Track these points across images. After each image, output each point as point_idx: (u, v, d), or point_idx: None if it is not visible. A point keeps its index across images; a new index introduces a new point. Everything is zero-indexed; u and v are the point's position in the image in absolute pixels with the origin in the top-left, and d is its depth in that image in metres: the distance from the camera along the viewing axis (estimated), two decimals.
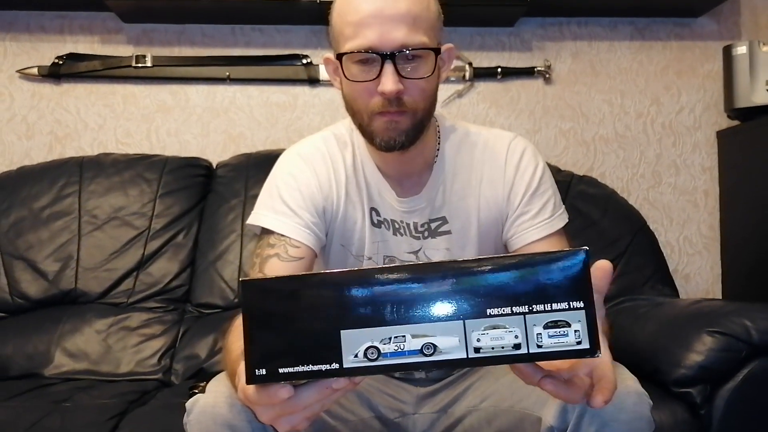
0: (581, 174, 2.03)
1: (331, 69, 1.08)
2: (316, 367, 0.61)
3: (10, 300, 1.78)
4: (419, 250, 1.12)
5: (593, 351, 0.59)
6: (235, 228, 1.85)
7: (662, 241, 2.03)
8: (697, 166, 2.18)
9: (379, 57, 0.96)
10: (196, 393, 0.93)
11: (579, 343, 0.59)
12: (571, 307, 0.60)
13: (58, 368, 1.66)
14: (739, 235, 2.06)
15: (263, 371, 0.61)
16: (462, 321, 0.60)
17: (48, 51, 2.09)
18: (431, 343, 0.60)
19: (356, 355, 0.60)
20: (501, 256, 0.61)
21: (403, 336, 0.60)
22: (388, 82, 0.95)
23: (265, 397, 0.62)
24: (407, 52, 0.96)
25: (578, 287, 0.60)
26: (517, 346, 0.60)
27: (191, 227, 1.87)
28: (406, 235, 1.12)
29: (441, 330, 0.60)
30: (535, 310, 0.60)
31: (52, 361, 1.67)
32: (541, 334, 0.60)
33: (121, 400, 1.43)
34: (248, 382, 0.61)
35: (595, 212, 1.90)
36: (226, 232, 1.85)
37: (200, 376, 1.65)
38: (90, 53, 2.09)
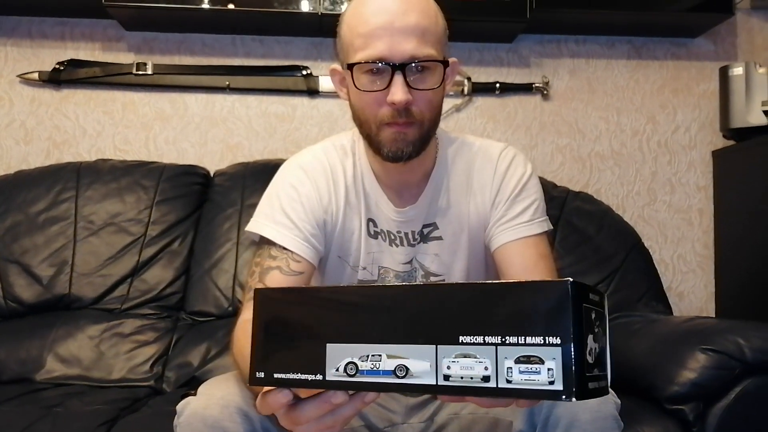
0: (577, 190, 2.04)
1: (337, 80, 1.09)
2: (303, 377, 0.63)
3: (4, 304, 1.77)
4: (412, 259, 1.13)
5: (567, 394, 0.53)
6: (230, 237, 1.85)
7: (656, 259, 2.03)
8: (692, 185, 2.20)
9: (390, 67, 0.97)
10: None
11: (551, 383, 0.53)
12: (547, 342, 0.54)
13: (50, 373, 1.65)
14: (733, 254, 2.07)
15: (262, 374, 0.65)
16: (435, 346, 0.58)
17: (49, 57, 2.10)
18: (404, 366, 0.59)
19: (338, 369, 0.61)
20: (480, 282, 0.59)
21: (380, 355, 0.60)
22: (398, 92, 0.97)
23: (265, 404, 0.65)
24: (416, 63, 0.98)
25: (557, 321, 0.54)
26: (485, 379, 0.56)
27: (187, 235, 1.87)
28: (402, 245, 1.13)
29: (415, 353, 0.59)
30: (507, 342, 0.56)
31: (44, 366, 1.66)
32: (511, 368, 0.55)
33: (113, 407, 1.43)
34: (249, 383, 0.65)
35: (590, 228, 1.91)
36: (221, 240, 1.85)
37: (192, 383, 1.64)
38: (91, 60, 2.10)
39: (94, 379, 1.65)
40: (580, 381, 0.54)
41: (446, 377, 0.58)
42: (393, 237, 1.12)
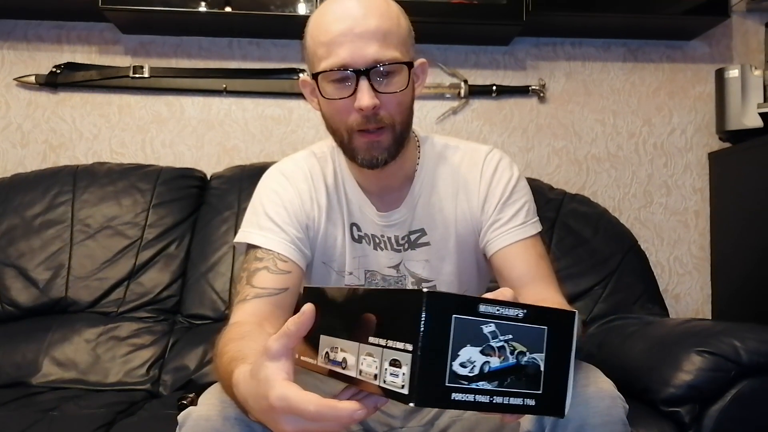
0: (573, 192, 2.04)
1: (308, 91, 1.09)
2: (308, 360, 0.74)
3: (0, 308, 1.77)
4: (399, 263, 1.13)
5: (408, 399, 0.57)
6: (227, 240, 1.85)
7: (653, 261, 2.03)
8: (688, 187, 2.20)
9: (354, 74, 0.97)
10: (185, 404, 0.92)
11: (402, 387, 0.58)
12: (404, 348, 0.59)
13: (46, 377, 1.65)
14: (729, 256, 2.08)
15: (297, 355, 0.75)
16: (358, 344, 0.65)
17: (45, 60, 2.10)
18: (345, 358, 0.67)
19: (322, 357, 0.71)
20: (382, 289, 0.65)
21: (337, 348, 0.69)
22: (364, 97, 0.97)
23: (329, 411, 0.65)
24: (380, 67, 0.97)
25: (410, 329, 0.58)
26: (375, 377, 0.62)
27: (183, 238, 1.87)
28: (386, 249, 1.13)
29: (350, 348, 0.66)
30: (388, 345, 0.61)
31: (40, 370, 1.65)
32: (387, 369, 0.60)
33: (109, 411, 1.42)
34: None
35: (587, 231, 1.91)
36: (218, 243, 1.85)
37: (189, 387, 1.64)
38: (87, 63, 2.10)
39: (91, 382, 1.65)
40: (426, 388, 0.57)
41: (360, 372, 0.64)
42: (377, 241, 1.12)
